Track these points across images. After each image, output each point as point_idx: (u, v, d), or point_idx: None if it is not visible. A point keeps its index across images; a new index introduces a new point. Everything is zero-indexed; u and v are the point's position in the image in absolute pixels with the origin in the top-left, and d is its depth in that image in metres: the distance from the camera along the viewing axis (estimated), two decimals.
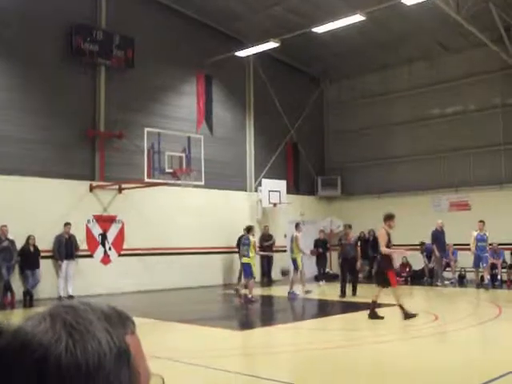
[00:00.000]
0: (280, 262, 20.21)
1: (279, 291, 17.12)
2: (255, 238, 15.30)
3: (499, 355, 7.95)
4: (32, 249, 14.81)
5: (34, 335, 0.74)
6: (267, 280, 19.72)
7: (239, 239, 19.18)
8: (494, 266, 17.62)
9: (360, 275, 20.71)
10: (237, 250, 19.29)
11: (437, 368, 7.03)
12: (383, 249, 10.97)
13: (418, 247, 19.16)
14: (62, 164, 16.03)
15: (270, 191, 20.84)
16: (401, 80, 22.23)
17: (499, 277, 17.79)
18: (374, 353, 8.27)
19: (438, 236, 17.91)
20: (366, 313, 11.28)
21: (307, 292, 15.68)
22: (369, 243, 21.51)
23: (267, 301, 16.20)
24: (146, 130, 15.75)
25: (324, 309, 14.83)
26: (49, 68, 16.17)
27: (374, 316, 10.91)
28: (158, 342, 8.66)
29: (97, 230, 16.82)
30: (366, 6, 16.30)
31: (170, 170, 16.05)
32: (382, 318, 10.85)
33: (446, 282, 17.97)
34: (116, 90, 17.43)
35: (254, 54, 20.27)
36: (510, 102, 19.78)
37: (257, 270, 19.05)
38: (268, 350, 8.76)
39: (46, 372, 0.71)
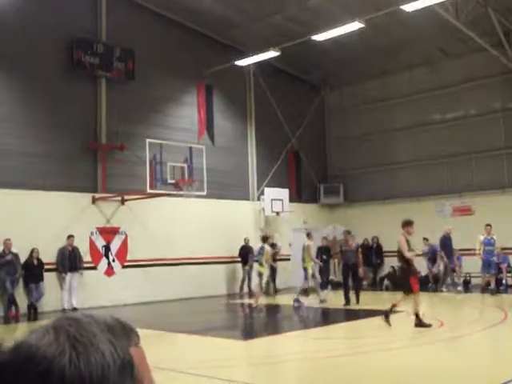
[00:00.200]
0: (284, 272, 20.20)
1: (284, 300, 17.06)
2: (270, 248, 15.28)
3: (506, 360, 7.90)
4: (36, 262, 14.81)
5: (38, 348, 0.74)
6: (273, 289, 19.63)
7: (241, 249, 19.22)
8: (499, 271, 17.54)
9: (364, 282, 20.69)
10: (239, 259, 19.31)
11: (443, 374, 6.99)
12: (408, 253, 10.88)
13: (421, 253, 19.06)
14: (64, 176, 16.06)
15: (272, 200, 20.83)
16: (401, 86, 22.26)
17: (504, 281, 17.71)
18: (379, 360, 8.21)
19: (446, 242, 17.79)
20: (371, 320, 11.23)
21: (322, 301, 15.60)
22: (372, 250, 21.49)
23: (272, 310, 16.15)
24: (148, 141, 15.78)
25: (328, 317, 14.76)
26: (50, 81, 16.25)
27: (386, 318, 10.77)
28: (162, 353, 8.63)
29: (100, 242, 16.82)
30: (366, 13, 16.35)
31: (172, 181, 16.07)
32: (390, 324, 10.75)
33: (459, 289, 17.79)
34: (117, 102, 17.49)
35: (254, 63, 20.32)
36: (510, 106, 19.78)
37: (271, 277, 19.11)
38: (272, 359, 8.72)
39: None
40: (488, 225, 16.64)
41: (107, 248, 16.93)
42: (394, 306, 10.93)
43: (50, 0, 16.33)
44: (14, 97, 15.64)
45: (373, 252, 21.44)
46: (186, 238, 18.32)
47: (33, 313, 14.40)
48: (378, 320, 11.10)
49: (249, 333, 12.34)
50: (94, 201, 16.67)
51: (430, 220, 19.80)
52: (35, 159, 15.59)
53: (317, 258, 18.80)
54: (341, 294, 15.41)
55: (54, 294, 15.29)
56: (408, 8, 15.30)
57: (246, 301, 17.53)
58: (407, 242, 10.93)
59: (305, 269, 15.93)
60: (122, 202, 17.16)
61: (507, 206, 18.85)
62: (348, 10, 17.18)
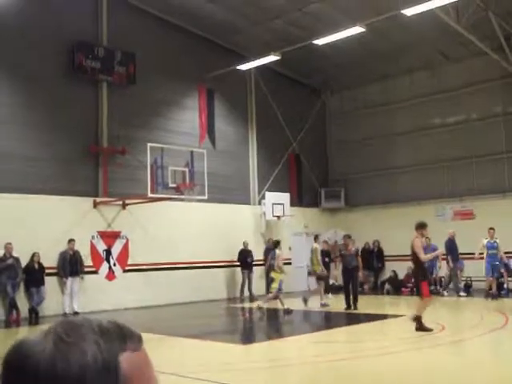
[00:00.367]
0: (284, 276, 20.14)
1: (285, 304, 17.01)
2: (280, 252, 15.30)
3: (507, 365, 7.88)
4: (37, 266, 14.81)
5: (27, 345, 0.78)
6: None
7: (240, 253, 19.23)
8: (501, 275, 17.50)
9: (365, 286, 20.69)
10: (238, 263, 19.30)
11: (444, 378, 6.97)
12: (423, 256, 10.84)
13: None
14: (65, 181, 16.08)
15: (273, 204, 20.82)
16: (402, 90, 22.28)
17: (505, 285, 17.67)
18: (380, 365, 8.20)
19: (452, 246, 17.72)
20: (372, 324, 11.17)
21: (323, 306, 15.61)
22: (373, 254, 21.48)
23: (272, 314, 16.12)
24: (149, 145, 15.78)
25: (329, 321, 14.74)
26: (51, 85, 16.27)
27: (420, 327, 10.58)
28: (163, 357, 8.61)
29: (101, 246, 16.82)
30: (366, 17, 16.38)
31: (174, 185, 16.06)
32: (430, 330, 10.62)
33: (462, 294, 17.73)
34: (118, 106, 17.52)
35: (255, 68, 20.36)
36: (511, 110, 19.79)
37: (263, 284, 19.16)
38: (273, 363, 8.71)
39: (24, 381, 0.76)
40: (491, 228, 16.59)
41: (108, 252, 16.93)
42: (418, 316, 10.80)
43: (50, 3, 16.36)
44: (15, 100, 15.67)
45: (374, 256, 21.43)
46: (187, 242, 18.31)
47: (34, 317, 14.39)
48: (381, 324, 11.07)
49: (250, 337, 12.33)
50: (95, 205, 16.68)
51: (430, 224, 19.67)
52: (36, 163, 15.61)
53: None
54: (342, 298, 15.40)
55: (55, 298, 15.28)
56: (409, 12, 15.32)
57: (247, 305, 17.54)
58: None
59: (314, 272, 15.96)
60: (123, 206, 17.17)
61: (508, 210, 18.84)
62: (348, 15, 17.22)
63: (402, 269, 19.90)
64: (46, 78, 16.18)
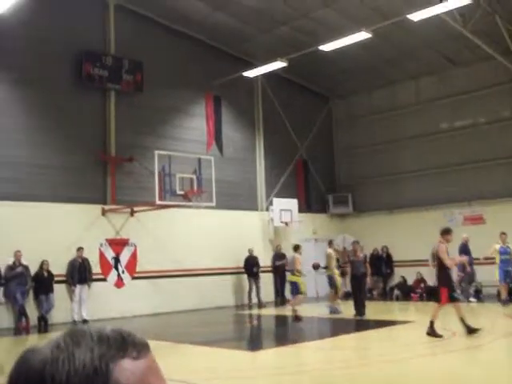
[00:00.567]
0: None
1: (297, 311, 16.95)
2: (300, 256, 15.28)
3: None
4: (46, 274, 14.85)
5: (31, 353, 0.80)
6: (280, 299, 19.58)
7: (246, 260, 19.18)
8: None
9: (374, 292, 20.60)
10: (244, 270, 19.26)
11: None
12: (449, 262, 10.81)
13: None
14: (73, 188, 16.14)
15: (281, 210, 20.79)
16: (409, 95, 22.25)
17: None
18: (391, 371, 8.14)
19: (466, 250, 17.57)
20: (382, 330, 11.07)
21: (332, 312, 15.53)
22: (382, 260, 21.38)
23: (281, 320, 16.09)
24: (157, 152, 15.82)
25: (339, 327, 14.65)
26: (59, 94, 16.38)
27: (470, 331, 10.54)
28: (172, 364, 8.59)
29: (110, 254, 16.85)
30: (372, 22, 16.39)
31: (181, 192, 16.07)
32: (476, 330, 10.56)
33: (472, 300, 17.56)
34: (126, 114, 17.60)
35: (261, 74, 20.38)
36: None
37: (280, 288, 19.17)
38: (282, 370, 8.67)
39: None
40: (503, 233, 16.46)
41: (117, 260, 16.96)
42: (462, 319, 10.74)
43: (58, 13, 16.48)
44: (24, 109, 15.78)
45: (383, 262, 21.33)
46: (195, 249, 18.31)
47: (43, 325, 14.44)
48: (390, 331, 10.99)
49: (259, 344, 12.28)
50: (103, 212, 16.73)
51: (438, 229, 19.61)
52: (45, 170, 15.70)
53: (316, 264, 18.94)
54: (351, 304, 15.33)
55: (64, 306, 15.31)
56: (415, 18, 15.30)
57: (255, 312, 17.50)
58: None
59: (330, 276, 15.88)
60: (132, 213, 17.20)
61: None
62: (354, 20, 17.24)
63: (411, 274, 19.81)
64: (54, 87, 16.28)
